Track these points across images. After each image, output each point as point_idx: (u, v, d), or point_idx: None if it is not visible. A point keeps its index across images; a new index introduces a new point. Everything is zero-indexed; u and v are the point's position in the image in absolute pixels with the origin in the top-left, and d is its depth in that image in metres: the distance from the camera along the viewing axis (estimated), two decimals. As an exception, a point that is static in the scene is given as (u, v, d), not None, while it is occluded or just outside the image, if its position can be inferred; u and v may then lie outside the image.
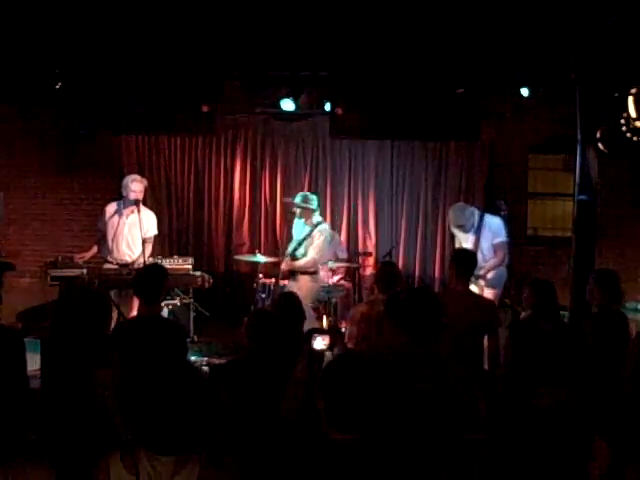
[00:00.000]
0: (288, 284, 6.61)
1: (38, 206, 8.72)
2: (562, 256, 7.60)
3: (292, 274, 6.59)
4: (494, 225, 6.70)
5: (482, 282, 6.47)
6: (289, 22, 5.80)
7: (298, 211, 6.73)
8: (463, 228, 6.69)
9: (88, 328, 3.51)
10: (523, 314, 4.77)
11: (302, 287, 6.39)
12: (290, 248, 6.68)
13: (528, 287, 4.71)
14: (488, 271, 6.48)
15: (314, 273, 6.60)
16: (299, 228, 6.78)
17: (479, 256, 6.39)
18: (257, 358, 3.60)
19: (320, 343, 3.29)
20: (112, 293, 6.20)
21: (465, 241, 6.78)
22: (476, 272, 6.14)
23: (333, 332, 3.40)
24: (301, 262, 6.51)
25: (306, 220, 6.68)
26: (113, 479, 2.10)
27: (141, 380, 2.13)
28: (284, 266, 6.57)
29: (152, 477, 2.08)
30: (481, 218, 6.70)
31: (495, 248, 6.60)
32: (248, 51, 6.59)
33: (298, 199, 6.74)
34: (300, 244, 6.59)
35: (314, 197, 6.77)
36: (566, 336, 4.38)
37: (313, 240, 6.55)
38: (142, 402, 2.10)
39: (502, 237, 6.67)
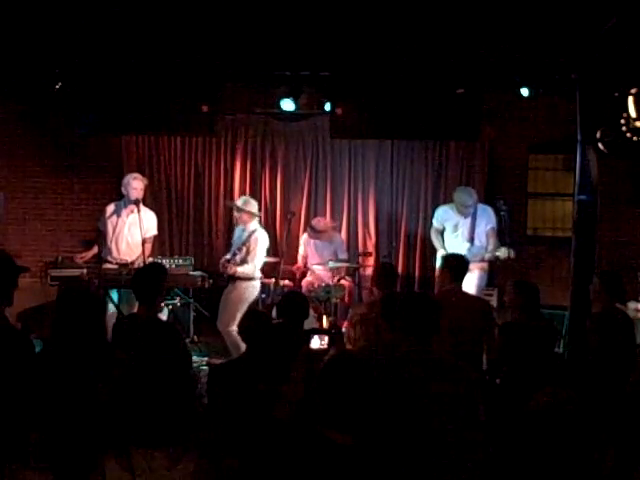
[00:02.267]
0: (227, 288, 6.63)
1: (38, 206, 8.71)
2: (562, 256, 7.59)
3: (231, 278, 6.59)
4: (488, 211, 7.14)
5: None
6: (289, 22, 5.80)
7: (237, 215, 6.73)
8: (469, 209, 7.05)
9: (86, 329, 3.52)
10: (512, 315, 4.76)
11: (240, 293, 6.43)
12: (229, 254, 6.71)
13: (513, 289, 4.72)
14: (492, 254, 6.86)
15: (252, 279, 6.60)
16: (238, 233, 6.83)
17: (476, 241, 6.99)
18: (252, 358, 3.60)
19: (319, 343, 3.29)
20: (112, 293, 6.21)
21: (453, 230, 7.10)
22: (479, 257, 6.78)
23: (332, 332, 3.41)
24: (242, 269, 6.52)
25: (244, 225, 6.69)
26: (109, 477, 2.10)
27: (135, 378, 2.14)
28: (230, 270, 6.54)
29: (147, 473, 2.09)
30: (475, 205, 7.10)
31: (489, 233, 7.02)
32: (248, 51, 6.59)
33: (240, 202, 6.77)
34: (239, 250, 6.60)
35: (255, 203, 6.79)
36: (555, 335, 4.39)
37: (249, 247, 6.55)
38: (135, 398, 2.10)
39: (494, 224, 7.10)
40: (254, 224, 6.68)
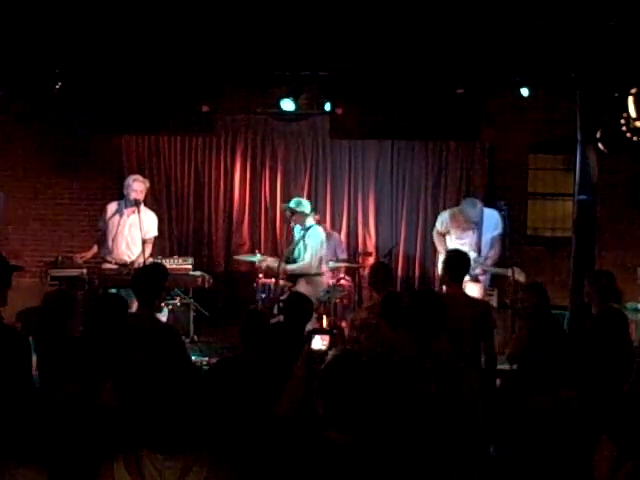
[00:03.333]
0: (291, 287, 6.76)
1: (38, 206, 8.71)
2: (562, 256, 7.60)
3: (293, 277, 6.70)
4: (494, 218, 6.89)
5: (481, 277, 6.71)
6: (289, 22, 5.80)
7: (290, 217, 6.85)
8: (476, 225, 6.82)
9: (98, 330, 3.53)
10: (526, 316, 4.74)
11: (300, 290, 6.47)
12: (286, 252, 6.85)
13: (527, 292, 4.70)
14: (493, 264, 6.61)
15: (315, 275, 6.67)
16: (296, 233, 6.93)
17: (483, 250, 6.77)
18: (247, 357, 3.61)
19: (319, 343, 3.29)
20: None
21: (458, 237, 6.91)
22: (478, 266, 6.34)
23: (333, 332, 3.41)
24: (294, 266, 6.61)
25: (300, 224, 6.81)
26: None
27: (139, 381, 2.12)
28: (281, 271, 6.66)
29: None
30: (481, 211, 6.90)
31: (494, 241, 6.82)
32: (248, 51, 6.59)
33: (292, 203, 6.87)
34: (295, 247, 6.73)
35: (307, 202, 6.88)
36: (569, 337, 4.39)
37: (306, 244, 6.65)
38: (142, 403, 2.09)
39: (500, 230, 6.86)
40: (309, 221, 6.83)
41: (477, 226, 6.81)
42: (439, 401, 2.87)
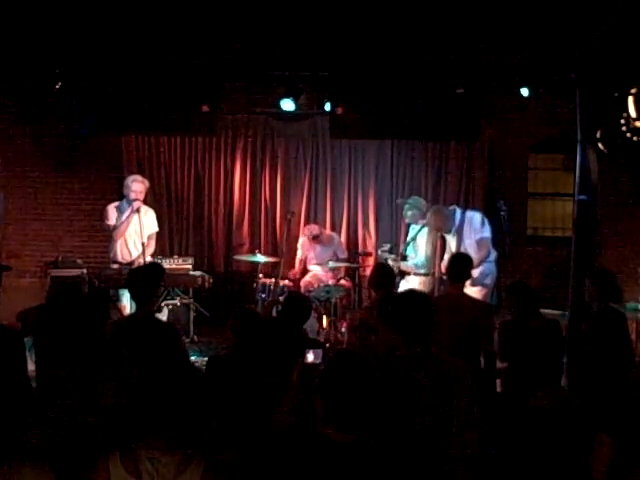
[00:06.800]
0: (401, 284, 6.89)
1: (38, 206, 8.70)
2: (562, 256, 7.60)
3: (403, 274, 6.96)
4: (475, 221, 6.75)
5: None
6: (289, 22, 5.81)
7: (409, 214, 7.19)
8: (442, 231, 6.85)
9: (87, 328, 3.52)
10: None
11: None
12: (402, 248, 7.24)
13: (506, 293, 4.74)
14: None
15: (425, 275, 6.93)
16: (412, 230, 7.22)
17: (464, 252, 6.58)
18: (239, 354, 3.63)
19: (312, 357, 3.33)
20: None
21: (452, 242, 6.89)
22: None
23: (325, 346, 3.45)
24: (408, 264, 6.94)
25: (416, 223, 7.14)
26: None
27: (137, 379, 2.12)
28: (397, 265, 6.92)
29: (154, 478, 2.05)
30: (462, 215, 6.79)
31: (478, 245, 6.62)
32: (248, 51, 6.59)
33: (412, 200, 7.31)
34: (408, 245, 7.10)
35: (423, 202, 7.32)
36: (553, 332, 4.39)
37: (418, 244, 6.99)
38: (141, 400, 2.09)
39: (483, 233, 6.69)
40: (423, 221, 7.07)
41: (444, 231, 6.82)
42: (434, 400, 2.88)
